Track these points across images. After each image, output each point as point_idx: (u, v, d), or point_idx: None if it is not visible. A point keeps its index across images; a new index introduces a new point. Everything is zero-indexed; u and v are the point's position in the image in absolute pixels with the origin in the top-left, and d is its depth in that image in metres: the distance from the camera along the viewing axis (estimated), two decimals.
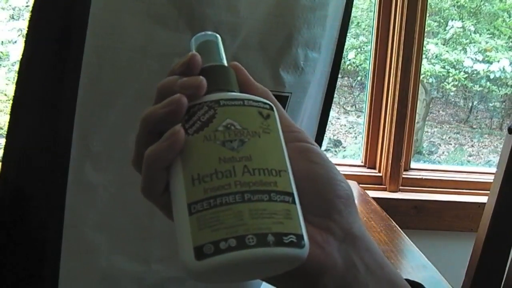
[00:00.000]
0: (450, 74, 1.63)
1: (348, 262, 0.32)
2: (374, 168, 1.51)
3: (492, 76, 1.66)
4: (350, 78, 1.62)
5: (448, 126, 1.69)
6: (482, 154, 1.70)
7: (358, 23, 1.58)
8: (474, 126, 1.71)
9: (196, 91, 0.32)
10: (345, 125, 1.64)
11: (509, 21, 1.66)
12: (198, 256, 0.28)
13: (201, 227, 0.28)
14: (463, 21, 1.64)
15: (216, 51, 0.36)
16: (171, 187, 0.31)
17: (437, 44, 1.63)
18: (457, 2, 1.65)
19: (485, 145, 1.70)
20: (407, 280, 0.36)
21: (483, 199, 1.19)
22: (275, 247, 0.28)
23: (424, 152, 1.67)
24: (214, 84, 0.34)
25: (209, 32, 0.37)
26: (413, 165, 1.54)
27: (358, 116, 1.62)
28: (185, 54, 0.37)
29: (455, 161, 1.70)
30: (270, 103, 0.34)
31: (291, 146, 0.34)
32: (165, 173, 0.32)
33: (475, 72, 1.65)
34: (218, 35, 0.37)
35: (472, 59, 1.64)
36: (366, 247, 0.34)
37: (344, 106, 1.64)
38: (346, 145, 1.65)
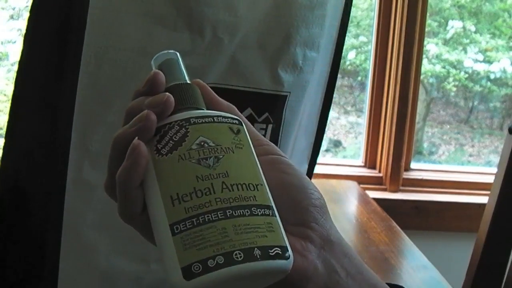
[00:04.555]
0: (451, 74, 1.63)
1: (329, 269, 0.33)
2: (375, 168, 1.50)
3: (492, 76, 1.65)
4: (350, 78, 1.62)
5: (448, 126, 1.69)
6: (483, 155, 1.70)
7: (358, 23, 1.58)
8: (474, 126, 1.71)
9: (164, 108, 0.32)
10: (345, 125, 1.64)
11: (509, 21, 1.66)
12: (186, 276, 0.28)
13: (186, 247, 0.29)
14: (463, 21, 1.64)
15: (178, 70, 0.36)
16: (150, 210, 0.31)
17: (437, 44, 1.62)
18: (457, 2, 1.64)
19: (486, 146, 1.70)
20: (388, 283, 0.37)
21: (483, 199, 1.19)
22: (262, 261, 0.29)
23: (424, 152, 1.67)
24: (181, 103, 0.34)
25: (170, 51, 0.37)
26: (413, 165, 1.54)
27: (358, 116, 1.62)
28: (183, 53, 0.37)
29: (455, 162, 1.69)
30: (239, 118, 0.35)
31: (262, 159, 0.34)
32: (140, 192, 0.32)
33: (475, 72, 1.65)
34: (177, 53, 0.37)
35: (472, 59, 1.64)
36: (344, 253, 0.34)
37: (344, 106, 1.64)
38: (346, 145, 1.65)
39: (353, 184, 1.38)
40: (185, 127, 0.32)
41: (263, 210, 0.31)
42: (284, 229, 0.32)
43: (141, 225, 0.33)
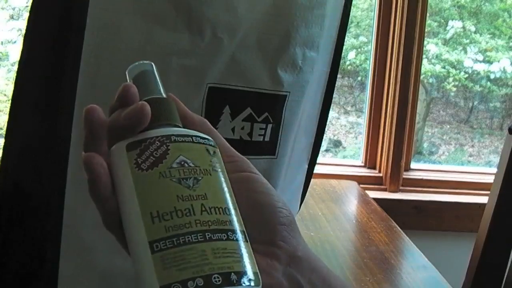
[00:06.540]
0: (451, 74, 1.63)
1: (294, 284, 0.33)
2: (374, 168, 1.50)
3: (492, 76, 1.65)
4: (350, 78, 1.62)
5: (448, 126, 1.69)
6: (483, 155, 1.70)
7: (358, 23, 1.58)
8: (474, 126, 1.71)
9: (142, 118, 0.32)
10: (345, 125, 1.65)
11: (509, 21, 1.66)
12: None
13: (166, 266, 0.28)
14: (463, 21, 1.64)
15: (154, 82, 0.36)
16: (127, 224, 0.31)
17: (437, 44, 1.63)
18: (457, 2, 1.65)
19: (486, 146, 1.70)
20: None
21: (483, 199, 1.19)
22: (238, 286, 0.29)
23: (424, 152, 1.67)
24: (158, 118, 0.33)
25: (145, 62, 0.37)
26: (413, 165, 1.54)
27: (358, 116, 1.62)
28: (183, 54, 0.37)
29: (455, 162, 1.70)
30: (213, 142, 0.35)
31: (233, 176, 0.35)
32: (114, 202, 0.32)
33: (475, 72, 1.65)
34: (153, 64, 0.36)
35: (472, 59, 1.64)
36: (311, 268, 0.35)
37: (344, 106, 1.64)
38: (346, 145, 1.66)
39: (353, 184, 1.38)
40: (166, 144, 0.32)
41: (237, 235, 0.31)
42: (252, 248, 0.32)
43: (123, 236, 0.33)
